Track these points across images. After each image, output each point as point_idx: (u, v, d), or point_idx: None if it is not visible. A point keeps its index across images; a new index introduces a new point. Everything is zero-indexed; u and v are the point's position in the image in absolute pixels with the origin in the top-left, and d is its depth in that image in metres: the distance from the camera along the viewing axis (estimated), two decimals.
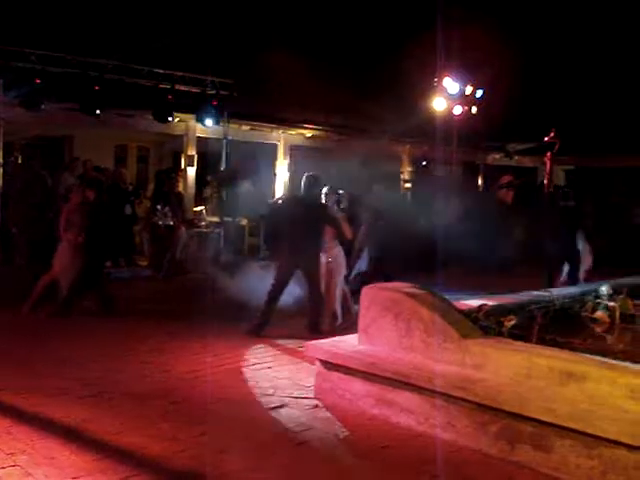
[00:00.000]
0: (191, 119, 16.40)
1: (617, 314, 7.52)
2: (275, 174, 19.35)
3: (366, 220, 13.16)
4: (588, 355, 5.57)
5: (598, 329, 7.41)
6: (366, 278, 12.18)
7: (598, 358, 5.47)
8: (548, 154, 16.43)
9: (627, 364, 5.38)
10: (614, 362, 5.42)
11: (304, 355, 7.02)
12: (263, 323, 9.09)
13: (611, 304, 7.66)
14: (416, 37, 18.07)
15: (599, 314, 7.63)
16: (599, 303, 7.80)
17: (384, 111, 18.13)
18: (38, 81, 13.21)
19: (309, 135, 19.58)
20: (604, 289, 8.04)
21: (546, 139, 16.52)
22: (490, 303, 7.28)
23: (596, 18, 23.37)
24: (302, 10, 21.08)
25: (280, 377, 7.22)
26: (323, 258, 9.60)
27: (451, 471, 5.08)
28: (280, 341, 8.74)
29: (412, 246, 14.91)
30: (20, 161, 15.52)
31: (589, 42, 23.66)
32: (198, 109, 15.82)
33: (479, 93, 19.04)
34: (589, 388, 5.07)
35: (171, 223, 14.34)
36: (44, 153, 16.54)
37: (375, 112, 18.02)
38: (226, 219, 15.93)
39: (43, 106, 13.47)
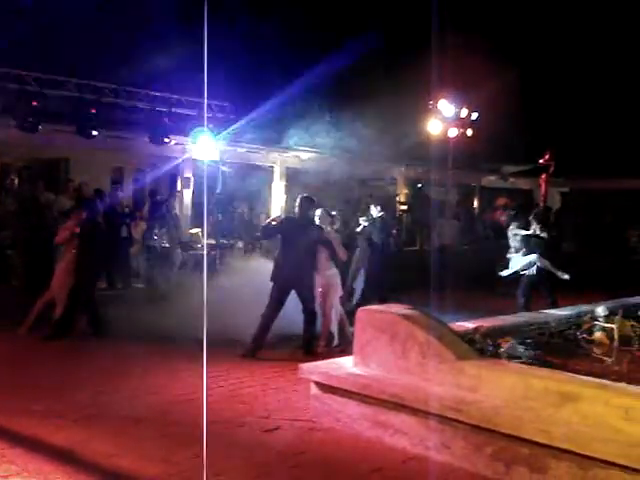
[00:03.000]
0: (187, 142, 16.45)
1: (616, 335, 7.51)
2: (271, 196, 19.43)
3: (362, 242, 13.22)
4: (583, 376, 5.57)
5: (597, 351, 7.40)
6: (362, 299, 12.22)
7: (593, 379, 5.47)
8: (543, 176, 16.52)
9: (621, 385, 5.38)
10: (608, 383, 5.42)
11: (299, 377, 7.01)
12: (258, 345, 9.07)
13: (608, 325, 7.65)
14: (411, 60, 18.18)
15: (597, 335, 7.62)
16: (595, 325, 7.79)
17: (380, 134, 18.20)
18: (35, 103, 13.25)
19: (305, 157, 19.63)
20: (600, 310, 8.04)
21: (541, 161, 16.62)
22: (486, 325, 7.27)
23: (590, 42, 23.54)
24: (300, 31, 21.20)
25: (275, 399, 7.20)
26: (318, 280, 9.60)
27: None
28: (275, 363, 8.70)
29: (408, 267, 14.94)
30: (17, 183, 15.54)
31: (583, 66, 23.83)
32: (194, 132, 15.86)
33: (474, 116, 19.14)
34: (584, 409, 5.06)
35: (167, 245, 14.34)
36: (41, 175, 16.55)
37: (371, 135, 18.08)
38: (222, 241, 15.92)
39: (40, 128, 13.51)
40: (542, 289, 11.77)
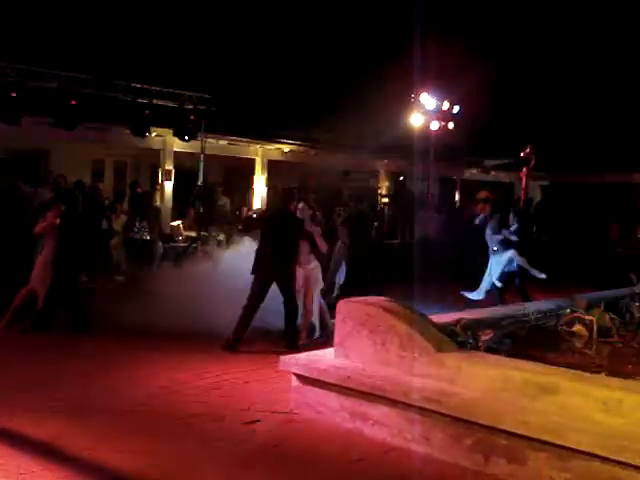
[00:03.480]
0: (168, 134, 16.37)
1: (595, 328, 7.55)
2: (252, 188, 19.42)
3: (342, 235, 13.23)
4: (561, 368, 5.60)
5: (577, 343, 7.44)
6: (343, 291, 12.23)
7: (571, 371, 5.50)
8: (524, 169, 16.54)
9: (599, 377, 5.43)
10: (587, 375, 5.46)
11: (280, 369, 7.01)
12: (239, 338, 9.04)
13: (588, 318, 7.69)
14: (394, 53, 18.21)
15: (577, 328, 7.65)
16: (576, 317, 7.83)
17: (362, 126, 18.22)
18: (14, 95, 13.13)
19: (287, 150, 19.61)
20: (580, 303, 8.08)
21: (522, 155, 16.63)
22: (467, 317, 7.29)
23: (572, 36, 23.64)
24: (282, 25, 21.18)
25: (256, 392, 7.19)
26: (299, 272, 9.59)
27: None
28: (257, 356, 8.69)
29: (389, 260, 14.97)
30: None
31: (566, 60, 23.94)
32: (175, 124, 15.78)
33: (456, 109, 19.14)
34: (562, 401, 5.10)
35: (148, 238, 14.27)
36: (21, 167, 16.43)
37: (353, 127, 18.10)
38: (203, 234, 15.88)
39: (20, 120, 13.39)
40: (515, 285, 11.75)
